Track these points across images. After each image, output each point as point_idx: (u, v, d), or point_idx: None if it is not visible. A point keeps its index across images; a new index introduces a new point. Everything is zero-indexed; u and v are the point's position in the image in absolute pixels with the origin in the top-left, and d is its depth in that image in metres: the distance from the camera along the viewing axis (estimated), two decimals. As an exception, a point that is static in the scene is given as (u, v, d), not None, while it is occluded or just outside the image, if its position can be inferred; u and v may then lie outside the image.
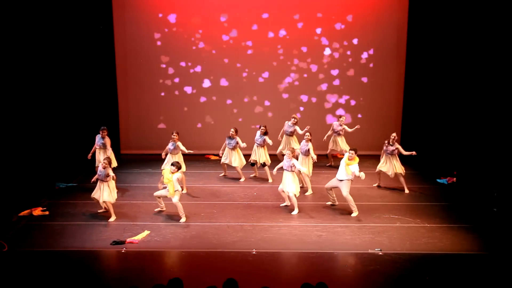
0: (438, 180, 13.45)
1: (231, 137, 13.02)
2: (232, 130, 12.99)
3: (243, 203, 11.74)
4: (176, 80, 16.02)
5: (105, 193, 10.55)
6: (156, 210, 11.10)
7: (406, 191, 12.50)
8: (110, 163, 10.76)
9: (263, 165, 13.26)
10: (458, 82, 13.61)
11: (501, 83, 11.43)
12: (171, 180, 10.47)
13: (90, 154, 12.76)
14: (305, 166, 11.97)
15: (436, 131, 14.78)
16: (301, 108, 16.06)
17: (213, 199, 12.00)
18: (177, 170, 10.58)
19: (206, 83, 16.06)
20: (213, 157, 15.56)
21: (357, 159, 10.84)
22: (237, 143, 12.94)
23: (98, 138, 12.63)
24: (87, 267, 8.64)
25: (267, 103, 16.12)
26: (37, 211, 10.97)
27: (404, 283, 6.14)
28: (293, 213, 11.04)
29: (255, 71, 16.01)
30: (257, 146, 13.17)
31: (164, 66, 15.95)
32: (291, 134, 13.62)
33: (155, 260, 9.06)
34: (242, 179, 13.33)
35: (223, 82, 16.06)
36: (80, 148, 14.34)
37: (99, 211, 11.04)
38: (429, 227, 10.31)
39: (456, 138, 13.60)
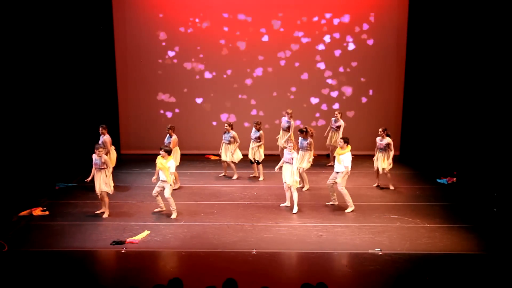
0: (438, 180, 13.44)
1: (227, 132, 13.18)
2: (226, 124, 13.22)
3: (243, 203, 11.74)
4: (176, 79, 16.05)
5: (102, 183, 10.62)
6: (156, 210, 11.10)
7: (391, 188, 12.58)
8: (104, 148, 10.86)
9: (258, 162, 13.36)
10: (458, 82, 13.61)
11: (501, 83, 11.43)
12: (164, 166, 10.56)
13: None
14: (304, 161, 12.10)
15: (436, 131, 14.77)
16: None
17: (213, 199, 12.00)
18: (167, 154, 10.68)
19: (206, 83, 16.10)
20: (213, 157, 15.57)
21: (348, 148, 11.01)
22: (232, 137, 13.08)
23: (101, 138, 12.42)
24: (87, 267, 8.64)
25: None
26: (37, 211, 10.97)
27: (404, 283, 6.14)
28: (293, 211, 11.06)
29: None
30: (253, 142, 13.28)
31: (164, 66, 15.98)
32: (287, 129, 13.82)
33: (155, 260, 9.07)
34: (235, 177, 13.45)
35: (224, 80, 16.11)
36: (80, 148, 14.34)
37: (97, 212, 11.03)
38: (429, 227, 10.31)
39: (456, 138, 13.59)
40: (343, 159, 10.91)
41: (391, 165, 12.43)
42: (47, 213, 11.01)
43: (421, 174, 14.07)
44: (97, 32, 15.17)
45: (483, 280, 8.21)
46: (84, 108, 14.92)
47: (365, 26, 15.70)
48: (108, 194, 10.79)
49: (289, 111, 14.04)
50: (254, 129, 13.32)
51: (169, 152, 10.84)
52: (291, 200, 11.16)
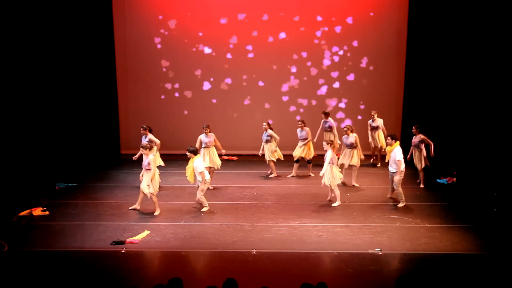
0: (438, 180, 13.44)
1: (265, 131, 13.28)
2: (264, 123, 13.32)
3: (243, 203, 11.74)
4: (176, 79, 16.06)
5: (145, 184, 10.77)
6: (202, 210, 11.12)
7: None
8: (148, 149, 11.00)
9: (309, 161, 13.58)
10: (458, 82, 13.61)
11: (501, 83, 11.42)
12: (190, 167, 10.82)
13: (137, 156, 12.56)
14: (349, 158, 12.46)
15: (436, 131, 14.75)
16: (301, 110, 16.15)
17: (213, 199, 11.99)
18: (192, 154, 10.84)
19: (206, 85, 16.11)
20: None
21: (396, 143, 11.27)
22: (270, 136, 13.15)
23: (143, 138, 12.60)
24: (87, 267, 8.64)
25: (267, 105, 16.21)
26: (37, 211, 10.97)
27: (404, 283, 6.13)
28: (333, 204, 11.37)
29: (255, 74, 16.07)
30: (300, 142, 13.42)
31: (164, 65, 15.99)
32: (329, 129, 14.00)
33: (155, 260, 9.06)
34: (272, 175, 13.62)
35: (223, 85, 16.12)
36: (80, 148, 14.36)
37: (130, 208, 11.19)
38: (429, 227, 10.30)
39: (456, 138, 13.59)
40: (393, 155, 11.18)
41: (424, 163, 12.56)
42: (47, 213, 11.01)
43: (421, 174, 14.05)
44: (97, 32, 15.18)
45: (483, 280, 8.21)
46: (84, 108, 14.93)
47: (365, 25, 15.71)
48: (155, 194, 10.89)
49: (326, 111, 14.25)
50: (299, 128, 13.45)
51: (194, 152, 10.91)
52: (333, 191, 11.46)
